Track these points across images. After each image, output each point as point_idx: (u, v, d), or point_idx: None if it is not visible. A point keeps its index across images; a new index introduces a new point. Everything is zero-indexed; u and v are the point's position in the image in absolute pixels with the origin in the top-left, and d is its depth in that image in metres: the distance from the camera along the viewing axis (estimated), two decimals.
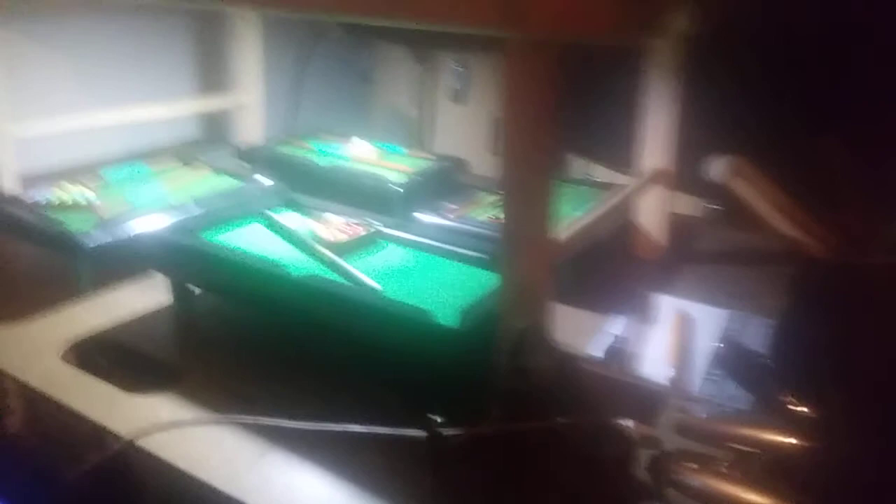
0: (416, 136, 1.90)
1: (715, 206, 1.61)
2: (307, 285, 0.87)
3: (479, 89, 1.98)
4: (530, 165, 0.76)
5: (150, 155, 1.44)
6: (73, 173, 1.26)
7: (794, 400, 0.76)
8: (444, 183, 1.37)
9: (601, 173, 1.69)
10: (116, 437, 0.73)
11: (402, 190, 1.30)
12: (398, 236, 1.05)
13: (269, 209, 1.13)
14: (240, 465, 0.72)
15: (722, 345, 0.83)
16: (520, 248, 0.78)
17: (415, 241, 1.04)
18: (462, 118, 2.01)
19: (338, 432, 0.72)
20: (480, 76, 1.97)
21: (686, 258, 1.29)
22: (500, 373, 0.73)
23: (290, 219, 1.09)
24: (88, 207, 1.12)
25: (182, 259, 0.97)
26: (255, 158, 1.49)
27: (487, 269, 0.94)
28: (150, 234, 1.01)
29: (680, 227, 1.34)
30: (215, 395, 0.81)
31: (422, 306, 0.81)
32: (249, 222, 1.09)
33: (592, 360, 0.89)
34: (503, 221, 0.79)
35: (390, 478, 0.71)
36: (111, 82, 1.52)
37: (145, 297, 1.02)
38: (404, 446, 0.69)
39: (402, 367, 0.82)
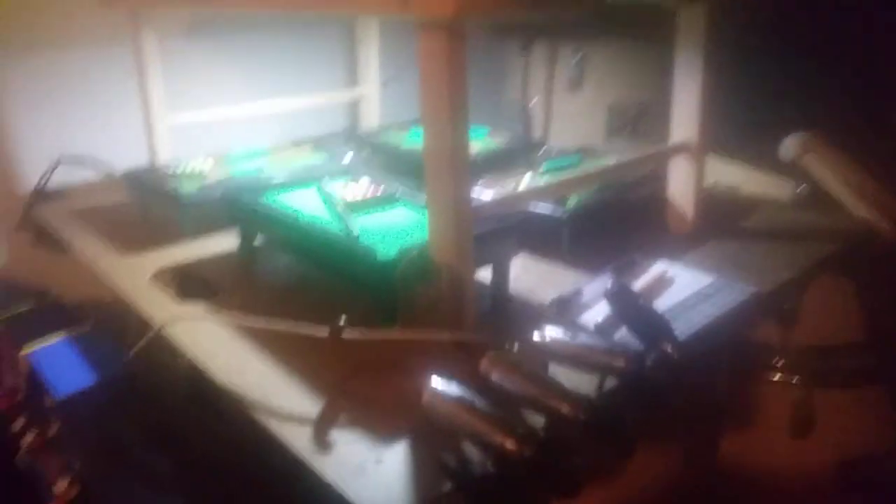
0: (525, 123, 2.05)
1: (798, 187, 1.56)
2: (306, 229, 1.12)
3: (594, 78, 2.08)
4: (440, 139, 0.93)
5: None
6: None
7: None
8: (503, 161, 1.53)
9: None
10: (153, 325, 1.04)
11: None
12: (407, 198, 1.25)
13: (327, 177, 1.38)
14: (221, 348, 0.98)
15: (609, 284, 0.90)
16: (433, 204, 0.95)
17: (417, 203, 1.23)
18: (579, 105, 2.12)
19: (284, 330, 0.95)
20: (595, 65, 2.07)
21: (705, 230, 1.31)
22: (401, 291, 0.91)
23: (336, 184, 1.33)
24: (201, 175, 1.47)
25: (241, 212, 1.27)
26: (357, 142, 1.77)
27: None
28: (228, 195, 1.31)
29: (706, 201, 1.36)
30: (232, 306, 1.09)
31: (370, 244, 1.02)
32: (308, 187, 1.36)
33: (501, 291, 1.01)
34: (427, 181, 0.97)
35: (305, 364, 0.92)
36: (263, 84, 1.89)
37: (224, 243, 1.33)
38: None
39: (359, 285, 1.05)
